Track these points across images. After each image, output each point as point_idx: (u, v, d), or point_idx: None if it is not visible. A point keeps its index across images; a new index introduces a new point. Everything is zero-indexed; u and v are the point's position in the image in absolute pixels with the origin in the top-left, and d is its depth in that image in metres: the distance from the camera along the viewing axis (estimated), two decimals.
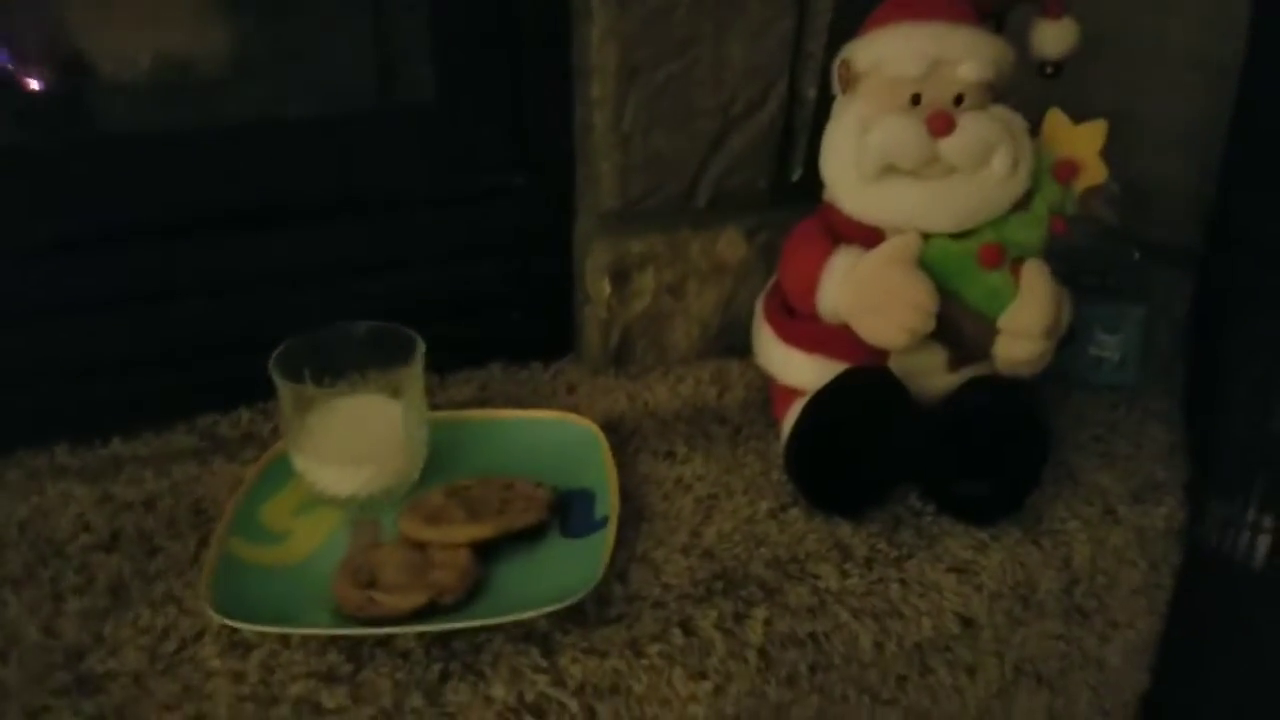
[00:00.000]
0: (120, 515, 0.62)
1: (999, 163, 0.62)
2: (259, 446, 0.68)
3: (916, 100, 0.62)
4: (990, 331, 0.63)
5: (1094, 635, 0.68)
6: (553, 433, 0.69)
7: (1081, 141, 0.65)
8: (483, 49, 0.70)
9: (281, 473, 0.63)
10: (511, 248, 0.76)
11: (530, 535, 0.60)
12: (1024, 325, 0.62)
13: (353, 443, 0.61)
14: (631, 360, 0.78)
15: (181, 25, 0.66)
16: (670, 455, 0.69)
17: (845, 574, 0.61)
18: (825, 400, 0.62)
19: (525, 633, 0.55)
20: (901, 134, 0.61)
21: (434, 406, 0.66)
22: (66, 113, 0.68)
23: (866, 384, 0.62)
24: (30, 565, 0.59)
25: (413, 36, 0.70)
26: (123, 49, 0.65)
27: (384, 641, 0.54)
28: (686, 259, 0.76)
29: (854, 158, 0.62)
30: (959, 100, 0.62)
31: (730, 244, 0.77)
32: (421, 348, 0.62)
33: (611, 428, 0.70)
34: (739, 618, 0.57)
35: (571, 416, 0.70)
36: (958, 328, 0.63)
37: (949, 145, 0.61)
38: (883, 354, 0.63)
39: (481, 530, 0.58)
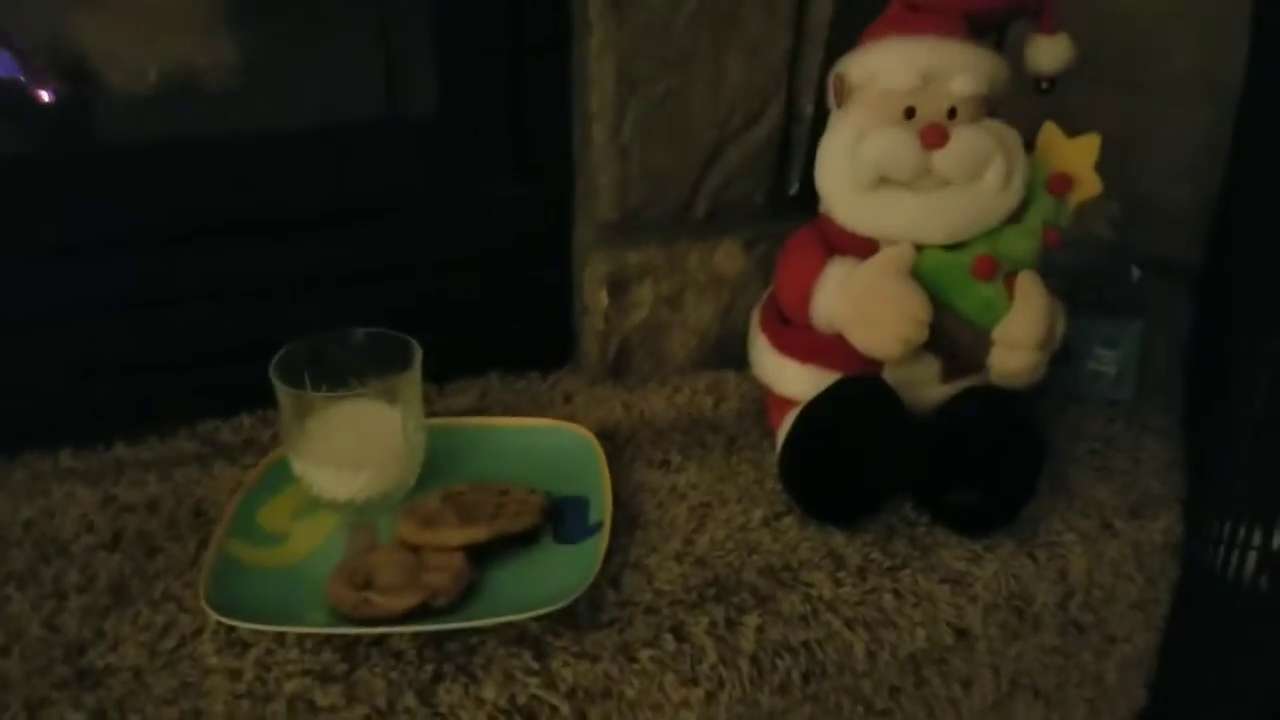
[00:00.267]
0: (122, 516, 0.63)
1: (992, 175, 0.62)
2: (259, 452, 0.69)
3: (911, 114, 0.63)
4: (984, 343, 0.64)
5: (1090, 650, 0.68)
6: (548, 440, 0.69)
7: (1076, 155, 0.65)
8: (484, 60, 0.71)
9: (281, 476, 0.64)
10: (511, 258, 0.77)
11: (524, 540, 0.60)
12: (1018, 336, 0.63)
13: (351, 447, 0.61)
14: (629, 371, 0.79)
15: (187, 37, 0.67)
16: (665, 464, 0.70)
17: (838, 583, 0.61)
18: (819, 409, 0.63)
19: (518, 635, 0.55)
20: (895, 146, 0.61)
21: (432, 414, 0.67)
22: (73, 122, 0.69)
23: (860, 393, 0.63)
24: (34, 563, 0.60)
25: (415, 48, 0.71)
26: (129, 60, 0.66)
27: (378, 641, 0.55)
28: (684, 270, 0.77)
29: (848, 169, 0.63)
30: (952, 114, 0.63)
31: (728, 256, 0.77)
32: (419, 354, 0.62)
33: (607, 436, 0.70)
34: (731, 624, 0.57)
35: (567, 424, 0.70)
36: (951, 339, 0.63)
37: (942, 157, 0.61)
38: (877, 364, 0.64)
39: (476, 534, 0.58)
